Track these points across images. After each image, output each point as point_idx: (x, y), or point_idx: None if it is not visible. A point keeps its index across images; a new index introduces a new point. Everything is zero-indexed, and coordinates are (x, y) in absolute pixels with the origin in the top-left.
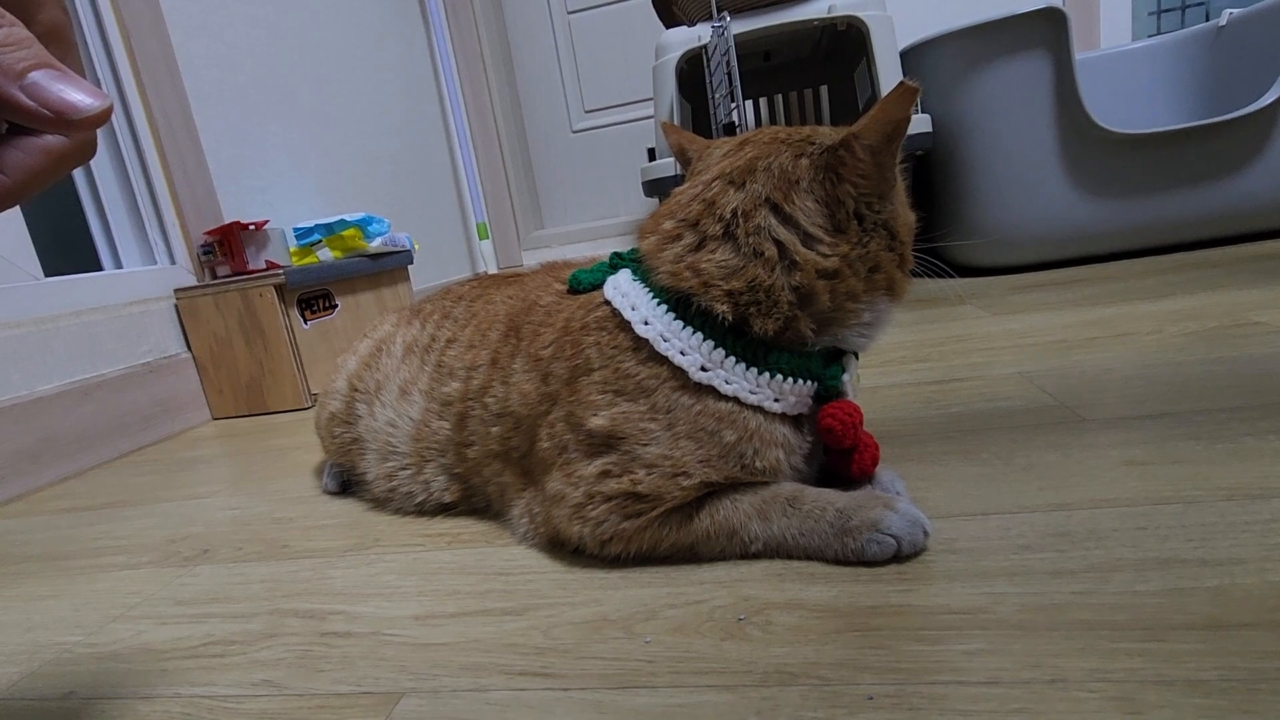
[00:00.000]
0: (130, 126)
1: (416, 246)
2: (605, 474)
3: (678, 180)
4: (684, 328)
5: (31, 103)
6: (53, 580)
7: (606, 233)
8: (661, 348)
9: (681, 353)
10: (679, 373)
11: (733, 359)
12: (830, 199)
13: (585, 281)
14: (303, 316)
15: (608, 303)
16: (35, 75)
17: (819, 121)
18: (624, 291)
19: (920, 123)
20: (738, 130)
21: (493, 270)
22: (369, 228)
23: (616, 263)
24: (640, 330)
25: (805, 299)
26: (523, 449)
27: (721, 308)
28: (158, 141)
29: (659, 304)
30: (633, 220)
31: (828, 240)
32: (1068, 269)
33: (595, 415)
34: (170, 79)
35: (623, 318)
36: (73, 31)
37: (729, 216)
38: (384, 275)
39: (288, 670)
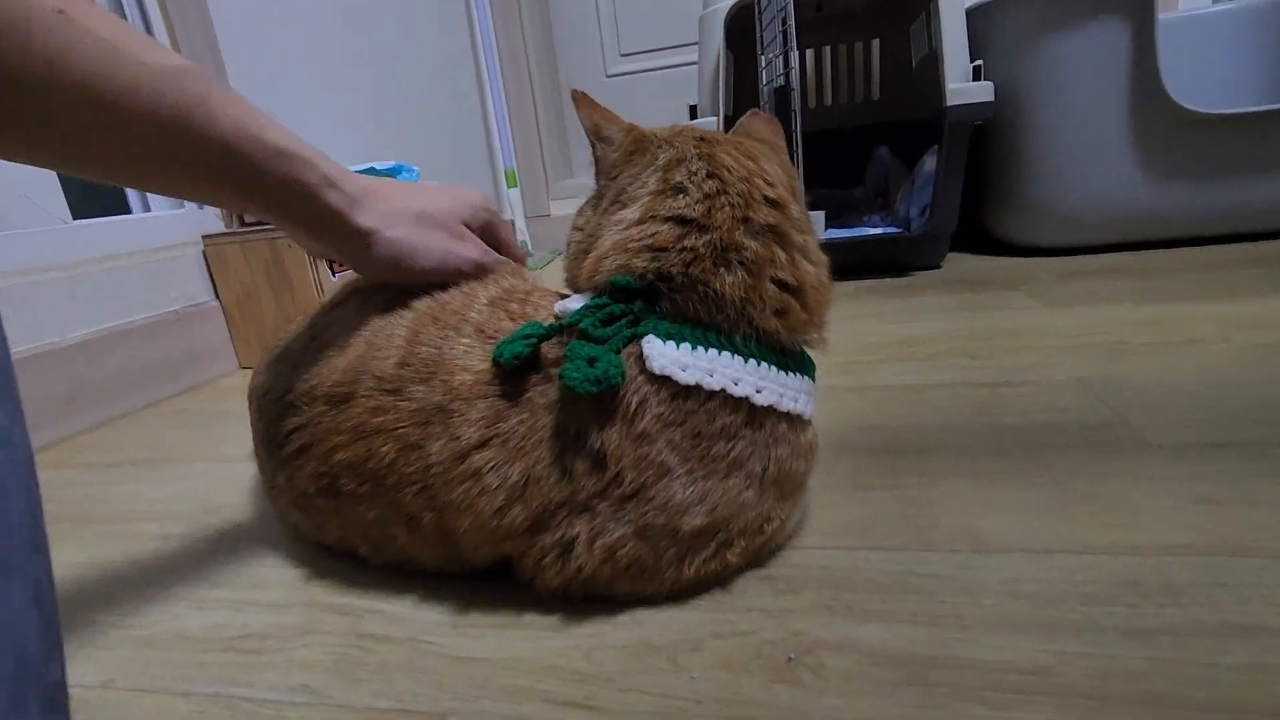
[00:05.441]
0: None
1: None
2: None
3: None
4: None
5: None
6: (85, 545)
7: None
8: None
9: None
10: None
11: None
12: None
13: (508, 355)
14: (330, 268)
15: (659, 378)
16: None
17: (868, 78)
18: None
19: (980, 91)
20: (791, 95)
21: (519, 221)
22: (399, 176)
23: (587, 328)
24: (736, 391)
25: None
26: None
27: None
28: None
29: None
30: None
31: None
32: (1125, 254)
33: (685, 516)
34: (201, 24)
35: (706, 389)
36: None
37: None
38: None
39: (326, 675)
